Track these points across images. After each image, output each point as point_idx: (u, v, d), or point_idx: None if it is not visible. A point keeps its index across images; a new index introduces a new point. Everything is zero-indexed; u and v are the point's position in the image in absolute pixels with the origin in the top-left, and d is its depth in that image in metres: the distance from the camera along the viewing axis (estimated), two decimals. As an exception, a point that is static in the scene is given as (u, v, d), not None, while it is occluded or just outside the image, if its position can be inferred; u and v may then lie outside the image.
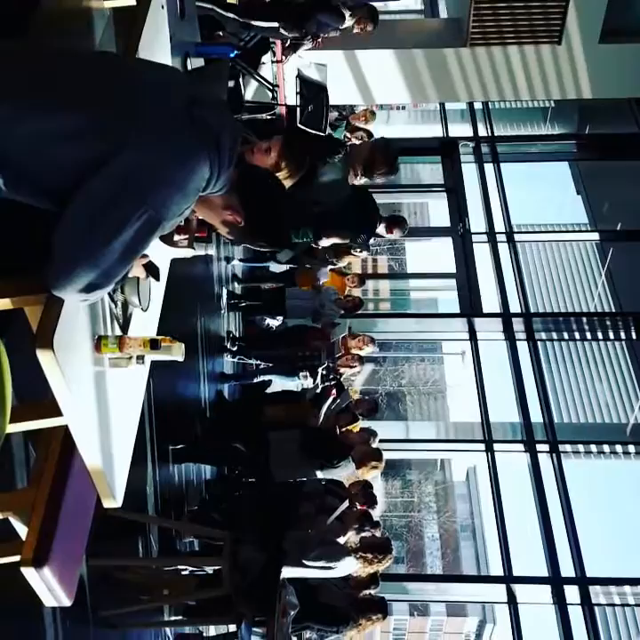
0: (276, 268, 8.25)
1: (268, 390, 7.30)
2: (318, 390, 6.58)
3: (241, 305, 7.89)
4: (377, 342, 7.41)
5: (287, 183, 3.25)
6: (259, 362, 7.42)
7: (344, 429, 5.86)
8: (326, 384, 6.59)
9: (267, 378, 7.27)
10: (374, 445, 5.84)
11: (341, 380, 7.05)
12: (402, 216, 6.94)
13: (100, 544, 3.41)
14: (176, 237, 2.58)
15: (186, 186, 1.70)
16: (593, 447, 9.10)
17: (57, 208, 1.66)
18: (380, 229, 6.41)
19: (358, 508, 5.45)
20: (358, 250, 7.23)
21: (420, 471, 20.08)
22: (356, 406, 6.52)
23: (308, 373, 6.71)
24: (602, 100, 8.76)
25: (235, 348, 7.37)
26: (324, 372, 6.77)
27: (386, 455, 5.80)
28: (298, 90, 6.69)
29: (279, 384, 7.26)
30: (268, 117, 6.90)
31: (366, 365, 10.17)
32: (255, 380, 7.38)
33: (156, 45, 2.68)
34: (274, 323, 7.81)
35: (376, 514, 5.64)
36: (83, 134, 1.61)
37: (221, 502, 5.75)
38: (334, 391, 6.13)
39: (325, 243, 6.71)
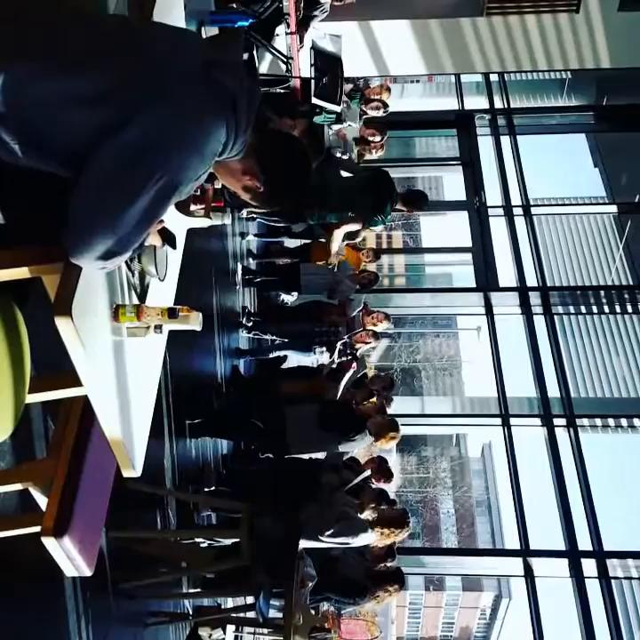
0: (290, 243, 8.22)
1: (284, 366, 7.30)
2: (334, 365, 6.57)
3: (256, 280, 7.87)
4: (392, 318, 7.38)
5: None
6: (274, 337, 7.42)
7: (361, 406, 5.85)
8: (344, 358, 6.57)
9: (282, 353, 7.27)
10: (390, 410, 5.83)
11: (357, 354, 7.03)
12: (419, 191, 6.85)
13: (118, 517, 3.43)
14: (193, 207, 2.57)
15: (202, 149, 1.67)
16: (610, 421, 9.06)
17: (73, 174, 1.64)
18: (398, 206, 6.40)
19: (374, 483, 5.46)
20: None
21: (436, 447, 20.15)
22: (371, 382, 6.50)
23: (324, 349, 6.70)
24: (620, 69, 8.60)
25: (250, 324, 7.37)
26: (341, 348, 6.76)
27: (401, 431, 5.79)
28: (312, 62, 6.62)
29: (295, 359, 7.25)
30: (282, 91, 6.82)
31: (381, 341, 10.17)
32: (271, 356, 7.38)
33: (170, 14, 2.64)
34: (289, 298, 7.80)
35: (392, 488, 5.64)
36: (98, 97, 1.59)
37: (238, 476, 5.77)
38: (354, 365, 6.12)
39: (340, 233, 6.76)
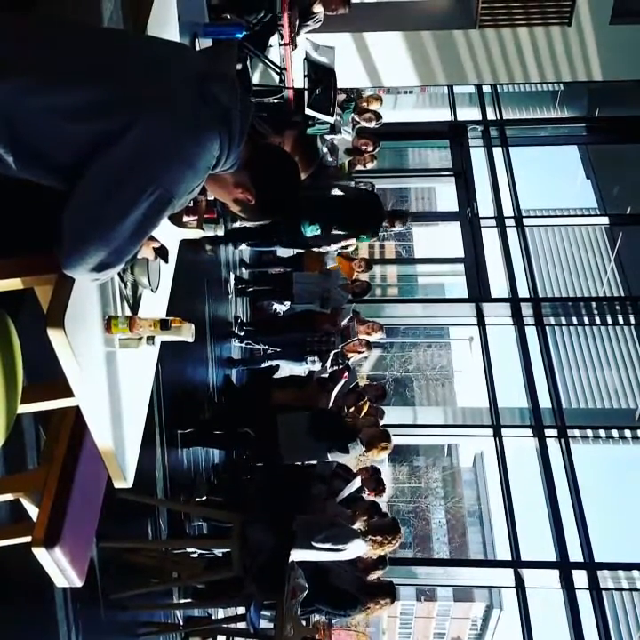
0: (283, 252, 8.23)
1: (276, 375, 7.29)
2: (326, 374, 6.57)
3: (248, 290, 7.87)
4: (384, 328, 7.40)
5: None
6: (266, 347, 7.42)
7: (352, 409, 5.85)
8: (336, 368, 6.57)
9: (274, 363, 7.27)
10: (382, 422, 5.83)
11: (348, 364, 7.04)
12: (403, 209, 7.06)
13: (109, 527, 3.42)
14: (185, 219, 2.57)
15: (196, 163, 1.68)
16: (601, 432, 9.09)
17: (66, 186, 1.65)
18: (384, 223, 6.62)
19: (367, 494, 5.45)
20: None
21: (428, 457, 20.11)
22: (364, 391, 6.50)
23: (316, 358, 6.70)
24: (612, 82, 8.67)
25: (242, 333, 7.36)
26: (333, 357, 6.76)
27: (393, 442, 5.80)
28: (306, 73, 6.65)
29: (286, 369, 7.25)
30: (276, 101, 6.85)
31: (374, 351, 10.18)
32: (263, 365, 7.38)
33: (165, 26, 2.65)
34: (281, 308, 7.80)
35: (383, 498, 5.63)
36: (94, 110, 1.60)
37: (230, 486, 5.76)
38: (347, 374, 6.12)
39: (333, 248, 6.87)
